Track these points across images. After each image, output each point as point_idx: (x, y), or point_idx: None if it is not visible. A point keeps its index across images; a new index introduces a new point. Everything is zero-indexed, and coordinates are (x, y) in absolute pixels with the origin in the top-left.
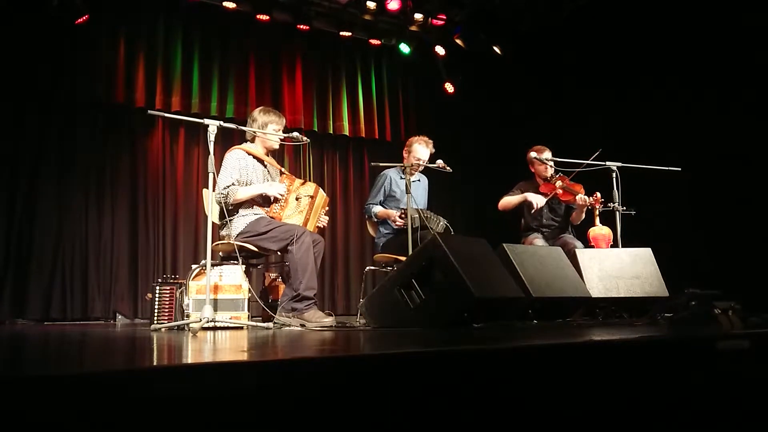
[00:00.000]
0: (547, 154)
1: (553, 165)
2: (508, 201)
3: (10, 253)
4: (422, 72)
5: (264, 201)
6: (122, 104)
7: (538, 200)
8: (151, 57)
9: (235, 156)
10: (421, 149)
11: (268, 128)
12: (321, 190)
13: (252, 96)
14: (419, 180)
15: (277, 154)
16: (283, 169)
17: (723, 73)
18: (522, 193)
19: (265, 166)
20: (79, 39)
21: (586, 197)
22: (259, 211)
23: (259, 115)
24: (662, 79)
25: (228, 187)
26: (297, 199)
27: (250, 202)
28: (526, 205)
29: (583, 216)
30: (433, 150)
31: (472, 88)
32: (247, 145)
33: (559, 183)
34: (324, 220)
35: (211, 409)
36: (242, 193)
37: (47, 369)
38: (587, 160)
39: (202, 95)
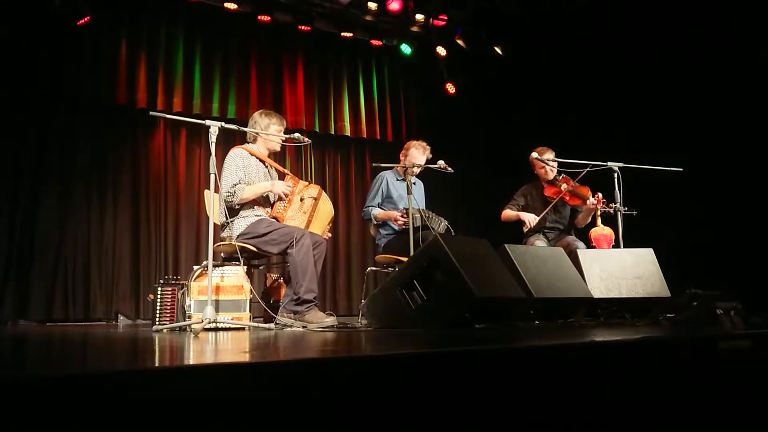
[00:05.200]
0: (549, 155)
1: (555, 167)
2: (507, 216)
3: (13, 254)
4: (423, 72)
5: (265, 201)
6: (124, 105)
7: (529, 219)
8: (153, 58)
9: (238, 155)
10: (417, 154)
11: (269, 130)
12: (324, 194)
13: (253, 97)
14: (414, 183)
15: (278, 156)
16: (287, 171)
17: (724, 73)
18: (525, 198)
19: (267, 167)
20: (81, 40)
21: (597, 195)
22: (260, 213)
23: (260, 118)
24: (663, 78)
25: (235, 185)
26: (301, 199)
27: (252, 203)
28: (530, 208)
29: (589, 220)
30: (431, 155)
31: (474, 89)
32: (248, 146)
33: (564, 186)
34: (327, 235)
35: (212, 411)
36: (249, 192)
37: (49, 369)
38: (589, 160)
39: (204, 96)
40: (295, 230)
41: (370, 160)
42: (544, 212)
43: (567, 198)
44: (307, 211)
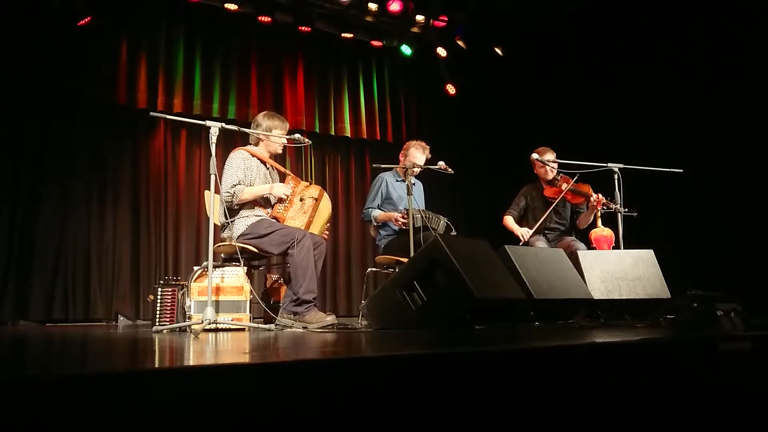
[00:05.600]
0: (550, 156)
1: (554, 167)
2: (506, 224)
3: (13, 254)
4: (424, 73)
5: (266, 202)
6: (124, 106)
7: (523, 233)
8: (153, 58)
9: (239, 156)
10: (417, 154)
11: (272, 133)
12: (326, 194)
13: (254, 97)
14: (414, 184)
15: (278, 156)
16: (288, 171)
17: (725, 73)
18: (525, 200)
19: (268, 168)
20: (81, 41)
21: (598, 196)
22: (260, 213)
23: (263, 120)
24: (664, 79)
25: (234, 186)
26: (301, 200)
27: (252, 203)
28: (530, 209)
29: (591, 220)
30: (430, 156)
31: (474, 90)
32: (251, 147)
33: (564, 185)
34: (326, 234)
35: (212, 412)
36: (248, 193)
37: (49, 370)
38: (589, 161)
39: (204, 97)
40: (297, 231)
41: (371, 161)
42: (541, 219)
43: (569, 197)
44: (308, 211)
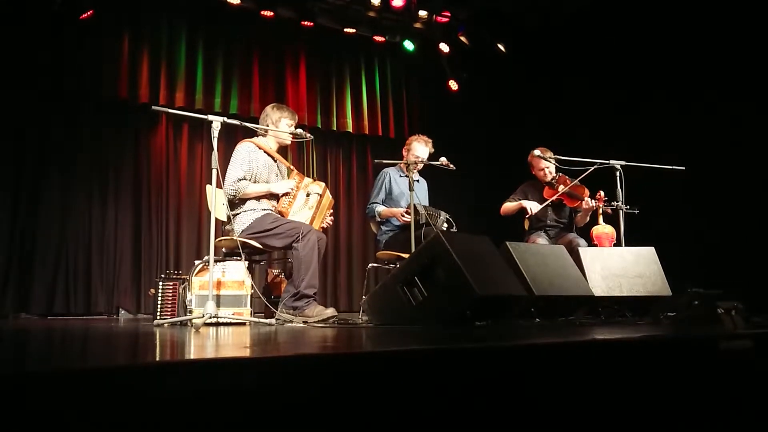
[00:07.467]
0: (549, 156)
1: (552, 170)
2: (508, 208)
3: (14, 247)
4: (426, 69)
5: (273, 195)
6: (126, 100)
7: (532, 206)
8: (156, 53)
9: (245, 149)
10: (420, 147)
11: (280, 123)
12: (328, 190)
13: (256, 92)
14: (418, 180)
15: (281, 151)
16: (292, 167)
17: (725, 73)
18: (525, 195)
19: (275, 162)
20: (83, 35)
21: (592, 201)
22: (267, 207)
23: (272, 111)
24: (665, 78)
25: (239, 180)
26: (307, 195)
27: (258, 197)
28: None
29: (588, 219)
30: (432, 150)
31: (476, 86)
32: (258, 139)
33: (561, 187)
34: (329, 221)
35: (212, 406)
36: (252, 189)
37: (50, 364)
38: (591, 158)
39: (206, 91)
40: (302, 225)
41: (372, 157)
42: (545, 204)
43: (566, 200)
44: (312, 206)
